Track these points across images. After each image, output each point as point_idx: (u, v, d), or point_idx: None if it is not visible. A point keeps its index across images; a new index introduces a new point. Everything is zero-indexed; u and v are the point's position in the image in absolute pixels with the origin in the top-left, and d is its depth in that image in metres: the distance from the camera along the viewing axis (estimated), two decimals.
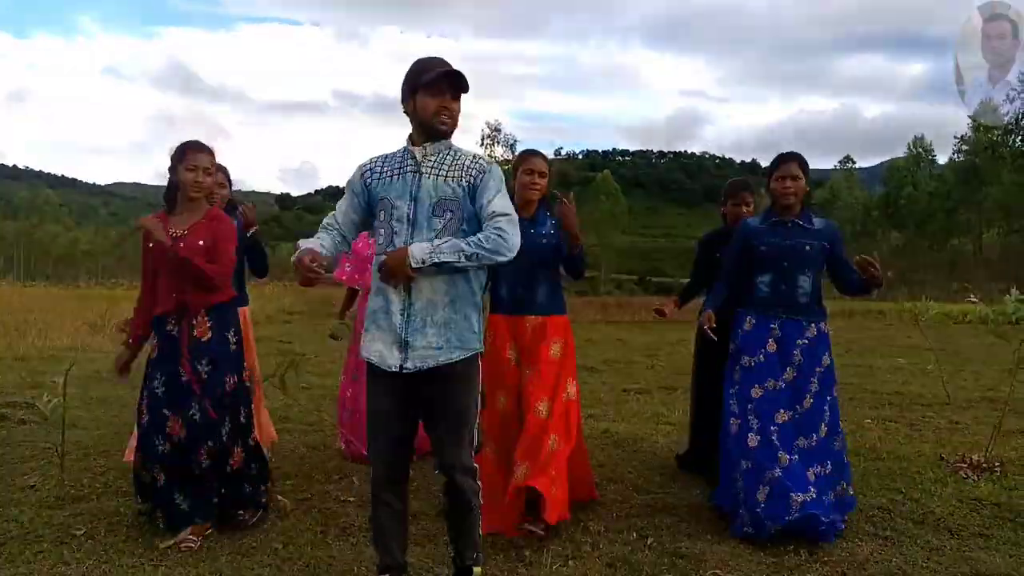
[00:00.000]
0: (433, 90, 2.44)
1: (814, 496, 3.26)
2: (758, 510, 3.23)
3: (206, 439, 3.17)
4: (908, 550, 3.18)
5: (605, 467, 4.42)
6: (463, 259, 2.37)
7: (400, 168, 2.53)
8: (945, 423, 6.10)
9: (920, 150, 65.27)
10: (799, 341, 3.48)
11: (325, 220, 2.61)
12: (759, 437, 3.38)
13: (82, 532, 3.21)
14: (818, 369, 3.50)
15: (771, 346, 3.49)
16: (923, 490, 4.06)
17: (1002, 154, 51.46)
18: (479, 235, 2.41)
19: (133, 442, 3.73)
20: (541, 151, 3.63)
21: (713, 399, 3.83)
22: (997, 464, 4.44)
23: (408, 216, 2.46)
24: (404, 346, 2.44)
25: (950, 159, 61.19)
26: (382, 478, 2.54)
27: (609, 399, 7.19)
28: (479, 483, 2.55)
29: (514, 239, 2.43)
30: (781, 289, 3.51)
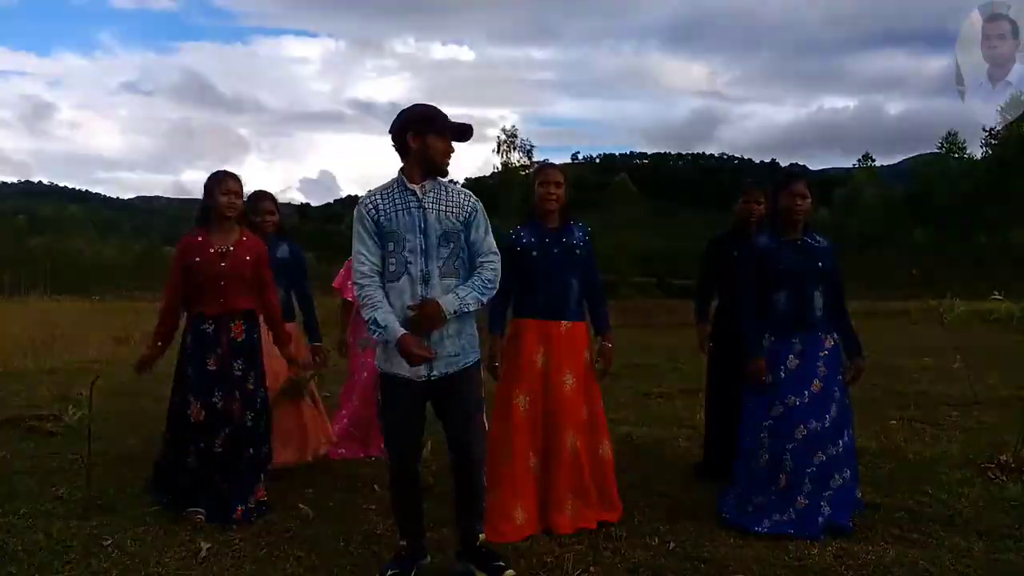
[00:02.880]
0: (446, 136, 2.80)
1: (787, 519, 3.40)
2: (739, 517, 3.49)
3: (224, 426, 3.58)
4: (935, 552, 3.14)
5: (627, 472, 4.39)
6: (481, 303, 2.83)
7: (403, 204, 2.80)
8: (972, 423, 6.02)
9: (951, 146, 64.36)
10: (821, 353, 3.55)
11: (362, 273, 2.78)
12: (767, 455, 3.51)
13: (109, 542, 3.25)
14: (839, 377, 3.58)
15: (792, 362, 3.54)
16: (950, 491, 4.00)
17: None
18: (484, 277, 2.82)
19: None
20: (555, 162, 3.84)
21: (727, 407, 3.87)
22: None
23: (420, 247, 2.77)
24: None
25: (982, 153, 60.29)
26: (404, 475, 2.89)
27: (631, 403, 7.16)
28: (484, 455, 3.00)
29: (500, 270, 2.89)
30: (799, 307, 3.55)
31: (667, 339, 15.93)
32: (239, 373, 3.66)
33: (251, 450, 3.68)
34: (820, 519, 3.36)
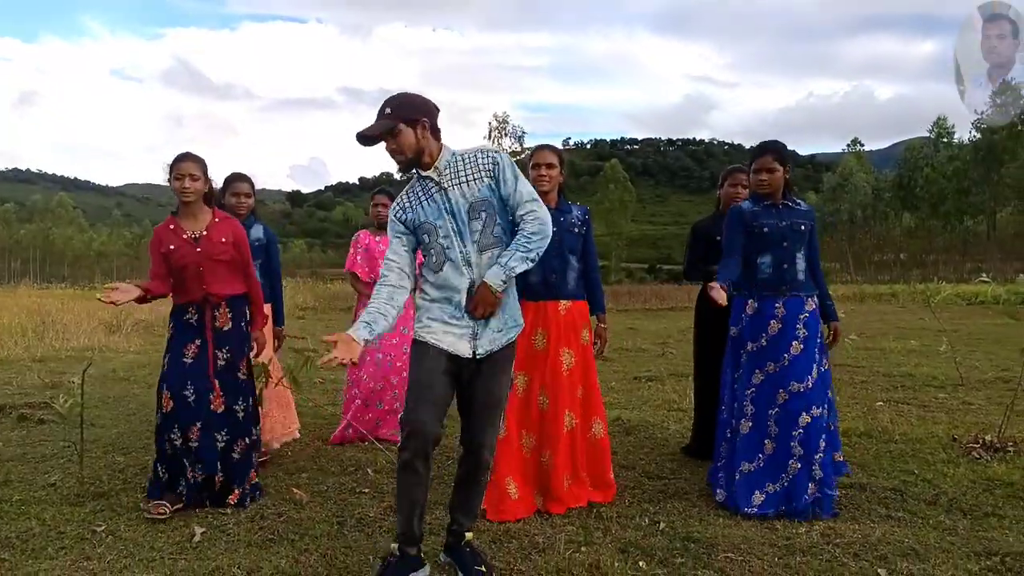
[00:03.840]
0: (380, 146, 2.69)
1: (780, 488, 3.43)
2: (731, 492, 3.52)
3: (196, 418, 3.49)
4: (921, 530, 3.20)
5: (617, 454, 4.44)
6: (530, 263, 2.65)
7: (425, 193, 2.70)
8: (958, 404, 6.10)
9: (940, 130, 64.57)
10: (801, 316, 3.55)
11: (383, 276, 2.75)
12: (751, 424, 3.54)
13: (103, 528, 3.26)
14: (819, 339, 3.60)
15: (773, 327, 3.54)
16: (936, 471, 4.06)
17: (1021, 132, 51.00)
18: (527, 232, 2.64)
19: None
20: (551, 143, 3.77)
21: (714, 388, 3.90)
22: (1010, 444, 4.44)
23: (453, 230, 2.65)
24: (474, 335, 2.67)
25: (970, 139, 60.55)
26: (420, 447, 2.60)
27: (621, 387, 7.22)
28: (492, 459, 2.85)
29: (547, 215, 2.68)
30: (783, 269, 3.58)
31: (657, 323, 16.02)
32: (223, 363, 3.58)
33: (246, 440, 3.64)
34: (811, 484, 3.39)
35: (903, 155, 67.19)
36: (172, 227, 3.60)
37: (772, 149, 3.62)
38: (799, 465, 3.42)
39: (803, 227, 3.61)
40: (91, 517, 3.41)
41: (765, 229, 3.57)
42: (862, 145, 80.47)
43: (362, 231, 5.19)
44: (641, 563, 2.88)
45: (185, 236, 3.56)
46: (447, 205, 2.66)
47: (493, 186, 2.67)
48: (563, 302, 3.58)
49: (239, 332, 3.66)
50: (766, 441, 3.50)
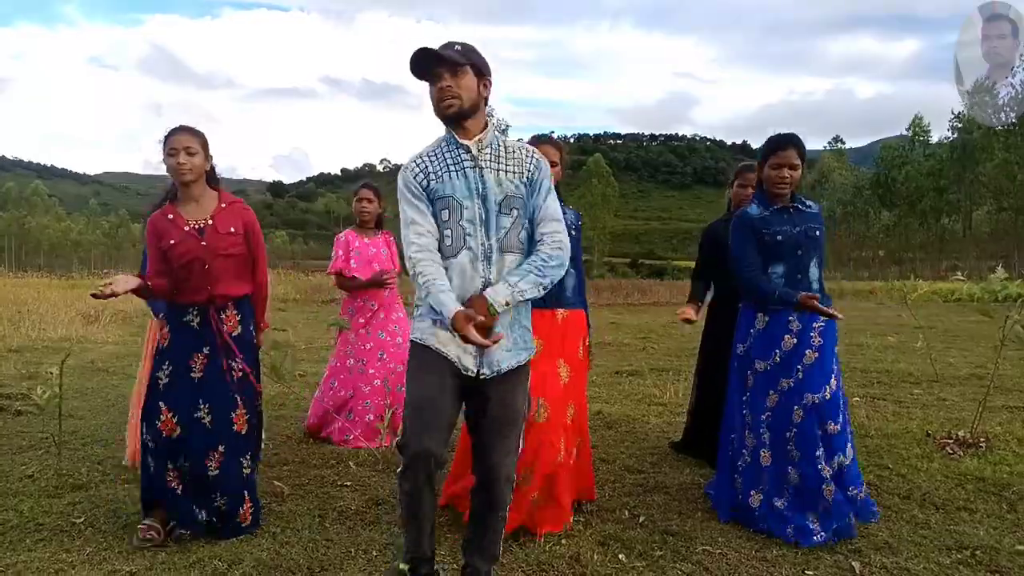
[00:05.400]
0: (427, 80, 2.32)
1: (823, 511, 3.12)
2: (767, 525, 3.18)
3: (217, 444, 3.03)
4: (894, 524, 3.25)
5: (598, 448, 4.47)
6: (541, 290, 2.34)
7: (456, 164, 2.35)
8: (932, 400, 6.20)
9: (917, 129, 65.34)
10: (816, 324, 3.24)
11: (418, 246, 2.31)
12: (771, 452, 3.21)
13: (82, 520, 3.24)
14: (836, 348, 3.30)
15: (787, 343, 3.21)
16: (910, 466, 4.14)
17: (996, 132, 51.71)
18: (545, 255, 2.33)
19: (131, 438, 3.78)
20: (552, 137, 3.45)
21: (717, 386, 3.73)
22: (982, 439, 4.52)
23: (480, 216, 2.32)
24: (479, 351, 2.33)
25: (944, 137, 61.39)
26: (424, 476, 2.29)
27: (602, 381, 7.25)
28: (512, 495, 2.45)
29: (567, 241, 2.41)
30: (796, 279, 3.24)
31: (638, 318, 16.10)
32: (241, 374, 3.10)
33: (251, 459, 3.18)
34: (851, 489, 3.19)
35: (880, 154, 67.99)
36: (171, 216, 3.06)
37: (796, 142, 3.23)
38: (832, 487, 3.13)
39: (817, 232, 3.28)
40: (69, 509, 3.38)
41: (779, 237, 3.22)
42: (843, 143, 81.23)
43: (347, 231, 4.83)
44: (621, 556, 2.92)
45: (187, 227, 3.05)
46: (480, 187, 2.32)
47: (527, 188, 2.38)
48: (560, 311, 3.31)
49: (250, 337, 3.20)
50: (790, 469, 3.17)
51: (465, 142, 2.35)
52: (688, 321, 4.07)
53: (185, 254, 3.02)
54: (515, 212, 2.35)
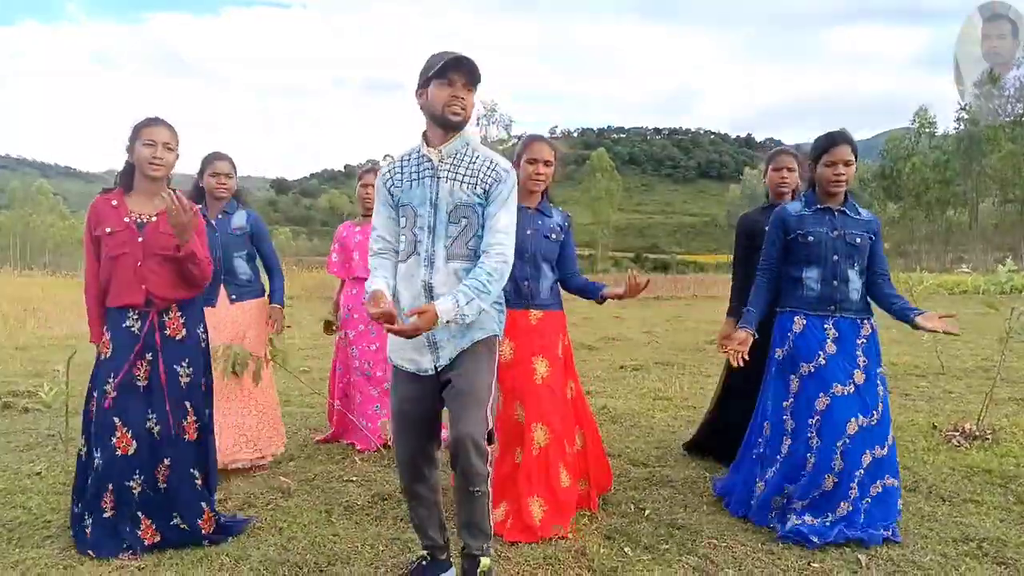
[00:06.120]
0: (444, 80, 2.38)
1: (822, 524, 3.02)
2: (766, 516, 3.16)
3: (164, 455, 2.90)
4: (901, 517, 3.25)
5: (603, 442, 4.47)
6: (483, 309, 2.39)
7: (418, 173, 2.48)
8: (939, 392, 6.19)
9: (923, 121, 65.10)
10: (858, 341, 3.14)
11: (376, 244, 2.54)
12: (815, 459, 3.06)
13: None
14: (880, 371, 3.17)
15: (830, 348, 3.12)
16: (916, 458, 4.13)
17: (1002, 124, 51.56)
18: (488, 269, 2.37)
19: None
20: (546, 136, 3.39)
21: (744, 389, 3.61)
22: (989, 432, 4.51)
23: (429, 224, 2.44)
24: (434, 347, 2.47)
25: (953, 128, 61.16)
26: (413, 474, 2.54)
27: (607, 376, 7.26)
28: (490, 470, 2.44)
29: (511, 254, 2.45)
30: (833, 286, 3.14)
31: (643, 312, 16.08)
32: (188, 379, 2.94)
33: (201, 467, 3.02)
34: (858, 521, 3.02)
35: (885, 146, 67.73)
36: (114, 203, 2.90)
37: (848, 140, 3.14)
38: (851, 507, 3.02)
39: (858, 240, 3.13)
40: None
41: (811, 238, 3.13)
42: None
43: (343, 224, 4.80)
44: (627, 549, 2.92)
45: (127, 219, 2.87)
46: (433, 195, 2.44)
47: (483, 198, 2.45)
48: (534, 311, 3.24)
49: (197, 341, 3.02)
50: (827, 476, 3.03)
51: (428, 152, 2.47)
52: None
53: (118, 247, 2.86)
54: (463, 221, 2.44)
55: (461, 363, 2.48)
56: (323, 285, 22.13)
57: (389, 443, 4.34)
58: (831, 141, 3.14)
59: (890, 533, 3.00)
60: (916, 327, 3.07)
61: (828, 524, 3.00)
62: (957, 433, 4.55)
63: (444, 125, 2.43)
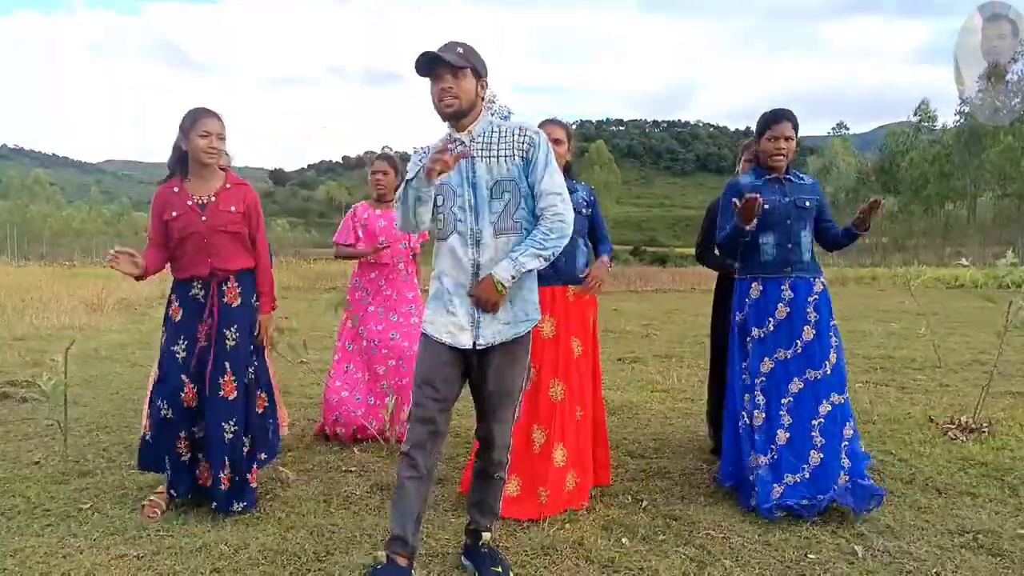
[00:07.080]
0: (429, 78, 2.46)
1: (802, 479, 3.21)
2: (747, 491, 3.30)
3: (231, 415, 3.19)
4: (897, 509, 3.27)
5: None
6: (543, 261, 2.46)
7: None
8: (935, 386, 6.21)
9: (924, 115, 65.06)
10: (810, 298, 3.37)
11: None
12: (764, 414, 3.32)
13: (88, 506, 3.26)
14: (832, 323, 3.40)
15: (781, 312, 3.36)
16: (912, 451, 4.15)
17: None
18: (544, 228, 2.45)
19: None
20: (558, 119, 3.52)
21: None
22: (985, 425, 4.53)
23: (470, 203, 2.48)
24: (476, 324, 2.49)
25: (953, 123, 61.10)
26: (421, 440, 2.47)
27: (605, 368, 7.19)
28: (509, 458, 2.67)
29: (571, 216, 2.51)
30: (788, 249, 3.38)
31: (641, 305, 16.09)
32: (233, 343, 3.22)
33: (235, 426, 3.23)
34: (840, 471, 3.20)
35: (885, 139, 67.67)
36: (176, 190, 3.21)
37: (789, 117, 3.38)
38: (822, 455, 3.23)
39: (807, 203, 3.41)
40: (76, 495, 3.41)
41: (767, 206, 3.29)
42: (847, 128, 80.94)
43: (360, 203, 4.73)
44: (624, 540, 2.93)
45: (190, 202, 3.19)
46: (471, 176, 2.48)
47: (523, 167, 2.49)
48: (572, 287, 3.40)
49: (249, 309, 3.31)
50: (779, 431, 3.27)
51: (459, 135, 2.51)
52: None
53: (185, 227, 3.18)
54: (506, 196, 2.48)
55: (498, 361, 2.52)
56: (321, 276, 22.19)
57: (382, 436, 4.35)
58: (773, 118, 3.39)
59: (869, 483, 3.22)
60: (858, 229, 3.38)
61: (806, 480, 3.19)
62: (953, 426, 4.57)
63: (444, 119, 2.51)
